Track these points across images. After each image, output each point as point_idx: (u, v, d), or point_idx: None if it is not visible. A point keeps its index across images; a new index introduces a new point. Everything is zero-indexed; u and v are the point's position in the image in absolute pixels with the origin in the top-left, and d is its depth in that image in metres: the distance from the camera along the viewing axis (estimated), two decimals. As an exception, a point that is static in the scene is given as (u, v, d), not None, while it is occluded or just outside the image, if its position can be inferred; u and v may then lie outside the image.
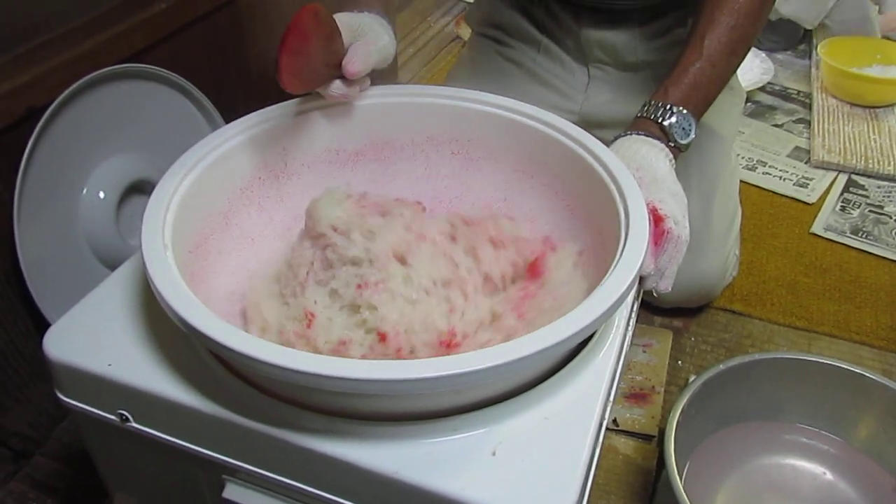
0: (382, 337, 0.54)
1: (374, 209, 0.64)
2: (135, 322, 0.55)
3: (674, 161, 0.68)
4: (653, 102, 0.72)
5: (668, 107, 0.70)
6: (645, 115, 0.71)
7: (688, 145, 0.71)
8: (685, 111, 0.70)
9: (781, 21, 1.64)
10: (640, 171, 0.64)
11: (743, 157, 1.34)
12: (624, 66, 0.98)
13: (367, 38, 0.65)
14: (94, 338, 0.54)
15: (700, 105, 0.73)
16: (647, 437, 0.84)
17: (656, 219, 0.61)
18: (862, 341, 0.98)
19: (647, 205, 0.59)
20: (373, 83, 0.70)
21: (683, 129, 0.70)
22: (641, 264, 0.52)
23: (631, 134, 0.69)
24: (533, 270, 0.61)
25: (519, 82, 1.01)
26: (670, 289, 0.63)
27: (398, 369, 0.43)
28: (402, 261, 0.59)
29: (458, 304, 0.56)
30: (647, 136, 0.68)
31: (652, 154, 0.66)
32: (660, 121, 0.70)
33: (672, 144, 0.69)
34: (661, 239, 0.61)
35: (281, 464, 0.49)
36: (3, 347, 0.76)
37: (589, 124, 0.69)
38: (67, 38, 0.78)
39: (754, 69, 1.55)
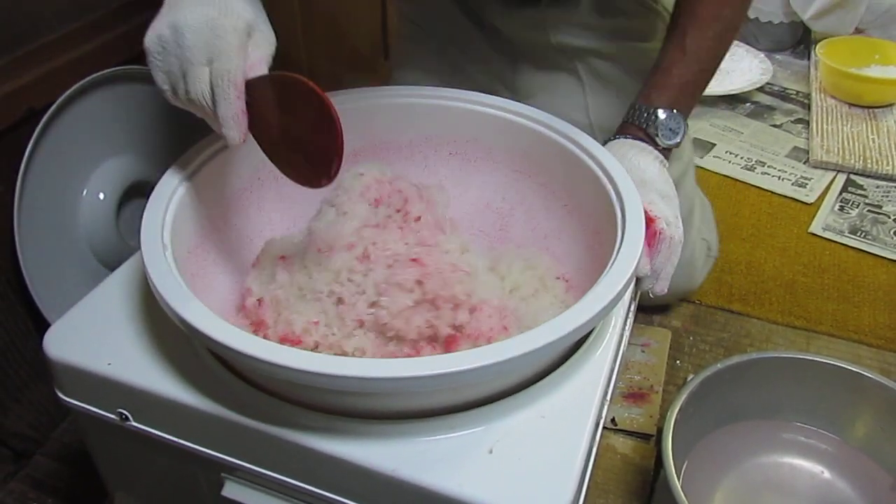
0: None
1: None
2: (134, 322, 0.55)
3: (665, 161, 0.68)
4: (637, 106, 0.71)
5: (652, 111, 0.69)
6: (630, 119, 0.70)
7: (678, 144, 0.70)
8: (672, 111, 0.69)
9: (780, 22, 1.64)
10: (628, 175, 0.64)
11: (741, 157, 1.34)
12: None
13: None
14: (93, 337, 0.54)
15: (688, 102, 0.71)
16: (645, 437, 0.85)
17: (647, 220, 0.61)
18: (860, 340, 0.98)
19: None
20: (371, 84, 0.70)
21: (671, 129, 0.69)
22: (638, 262, 0.52)
23: (618, 138, 0.69)
24: (448, 344, 0.55)
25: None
26: (666, 290, 0.64)
27: (393, 367, 0.43)
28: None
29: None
30: (634, 139, 0.68)
31: (640, 157, 0.66)
32: (644, 126, 0.69)
33: (661, 146, 0.69)
34: (654, 240, 0.61)
35: (279, 462, 0.50)
36: (4, 348, 0.76)
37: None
38: (68, 40, 0.79)
39: (753, 69, 1.55)
